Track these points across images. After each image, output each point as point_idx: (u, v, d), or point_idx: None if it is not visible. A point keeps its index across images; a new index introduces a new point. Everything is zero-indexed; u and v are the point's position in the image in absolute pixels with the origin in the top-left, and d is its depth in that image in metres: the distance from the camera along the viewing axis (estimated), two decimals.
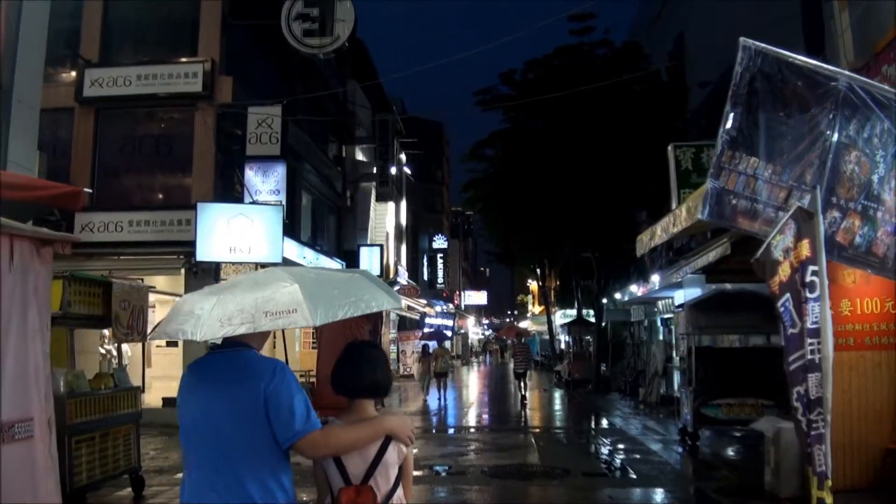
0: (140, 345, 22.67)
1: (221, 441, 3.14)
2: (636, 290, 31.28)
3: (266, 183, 18.64)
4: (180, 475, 9.94)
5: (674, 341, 27.06)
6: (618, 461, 12.93)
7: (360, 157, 33.02)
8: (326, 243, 28.16)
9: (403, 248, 43.46)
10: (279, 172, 18.76)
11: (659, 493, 10.16)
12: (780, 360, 13.19)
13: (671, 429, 17.05)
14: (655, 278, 27.09)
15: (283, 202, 18.36)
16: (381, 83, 36.27)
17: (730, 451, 14.06)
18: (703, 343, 16.29)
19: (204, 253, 17.19)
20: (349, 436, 3.24)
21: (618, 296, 34.37)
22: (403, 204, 42.16)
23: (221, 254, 17.34)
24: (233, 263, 18.22)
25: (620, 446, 14.61)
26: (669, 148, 14.62)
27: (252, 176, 18.67)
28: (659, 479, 11.07)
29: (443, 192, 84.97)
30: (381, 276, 29.71)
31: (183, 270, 18.18)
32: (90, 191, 11.51)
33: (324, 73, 26.59)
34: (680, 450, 14.25)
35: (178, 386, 3.42)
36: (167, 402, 18.30)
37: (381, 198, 33.26)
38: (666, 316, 32.27)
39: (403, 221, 42.76)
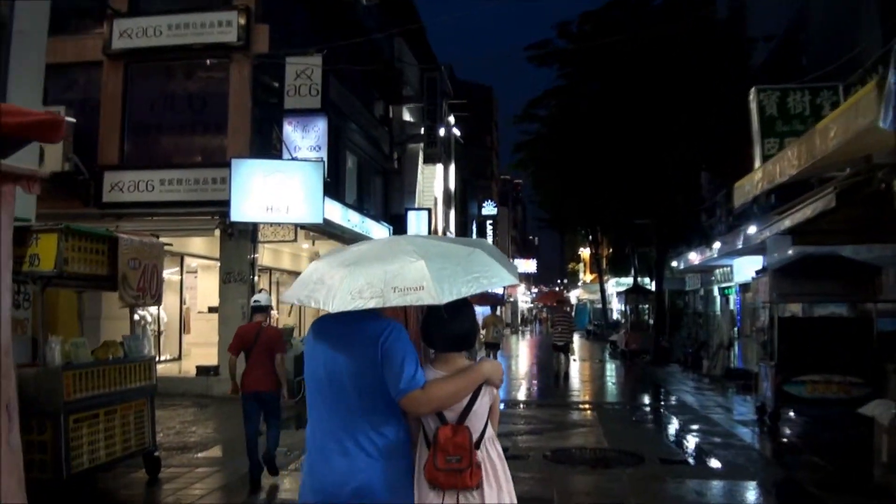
0: (178, 310, 22.02)
1: (342, 394, 3.38)
2: (694, 257, 29.89)
3: (306, 139, 17.34)
4: (204, 454, 8.78)
5: (738, 311, 25.58)
6: (695, 445, 11.47)
7: (407, 117, 31.66)
8: (373, 206, 26.93)
9: (452, 213, 42.21)
10: (320, 127, 17.42)
11: (751, 488, 8.72)
12: (871, 332, 11.80)
13: (745, 406, 15.59)
14: (717, 245, 25.64)
15: (325, 159, 17.03)
16: (429, 43, 34.91)
17: (816, 435, 12.54)
18: (784, 313, 14.81)
19: (239, 213, 15.96)
20: (449, 389, 3.40)
21: (674, 263, 32.91)
22: (452, 168, 40.83)
23: (257, 213, 16.09)
24: (270, 224, 17.03)
25: (694, 427, 13.14)
26: (752, 92, 13.01)
27: (291, 131, 17.37)
28: (746, 469, 9.63)
29: (492, 159, 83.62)
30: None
31: (218, 232, 17.06)
32: (73, 120, 10.35)
33: (368, 25, 25.16)
34: (760, 432, 12.78)
35: (304, 343, 3.72)
36: (201, 370, 17.21)
37: (429, 160, 31.86)
38: (724, 285, 30.86)
39: (452, 186, 41.48)
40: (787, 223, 10.32)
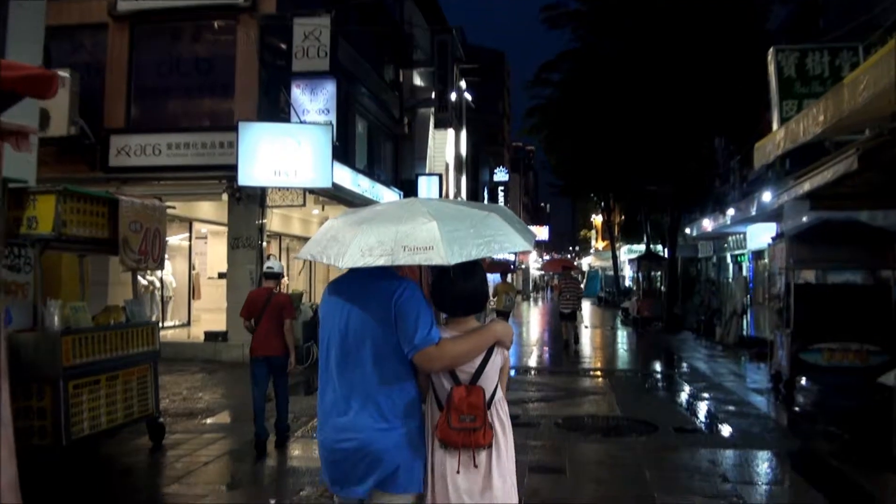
0: (187, 275, 21.89)
1: (353, 353, 3.40)
2: (707, 224, 29.58)
3: (314, 102, 17.02)
4: (210, 420, 8.59)
5: (751, 278, 25.30)
6: (709, 413, 11.23)
7: (417, 81, 31.23)
8: (383, 172, 26.65)
9: (463, 179, 41.83)
10: (328, 90, 17.10)
11: (767, 458, 8.49)
12: (888, 300, 11.53)
13: (759, 374, 15.38)
14: (730, 211, 25.34)
15: (333, 122, 16.72)
16: (440, 6, 34.41)
17: (832, 404, 12.31)
18: (798, 280, 14.55)
19: (246, 177, 15.72)
20: (462, 347, 3.42)
21: (687, 230, 32.62)
22: (463, 134, 40.40)
23: (265, 177, 15.84)
24: (279, 189, 16.79)
25: (708, 395, 12.93)
26: (770, 52, 12.69)
27: (299, 94, 17.06)
28: (762, 438, 9.41)
29: (503, 125, 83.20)
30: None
31: (225, 196, 16.85)
32: (65, 74, 10.13)
33: None
34: (775, 400, 12.58)
35: (320, 301, 3.70)
36: (210, 336, 17.08)
37: (440, 124, 31.42)
38: (737, 252, 30.56)
39: (463, 152, 41.07)
40: (807, 187, 10.03)
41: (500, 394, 3.56)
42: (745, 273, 28.87)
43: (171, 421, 9.90)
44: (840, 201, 12.05)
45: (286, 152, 15.67)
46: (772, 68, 12.61)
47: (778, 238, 14.19)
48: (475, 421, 3.35)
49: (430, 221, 3.19)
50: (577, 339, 21.13)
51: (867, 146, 8.12)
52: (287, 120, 16.83)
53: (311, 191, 17.12)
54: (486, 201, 54.55)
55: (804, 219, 14.81)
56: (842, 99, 6.36)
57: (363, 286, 3.47)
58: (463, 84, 38.21)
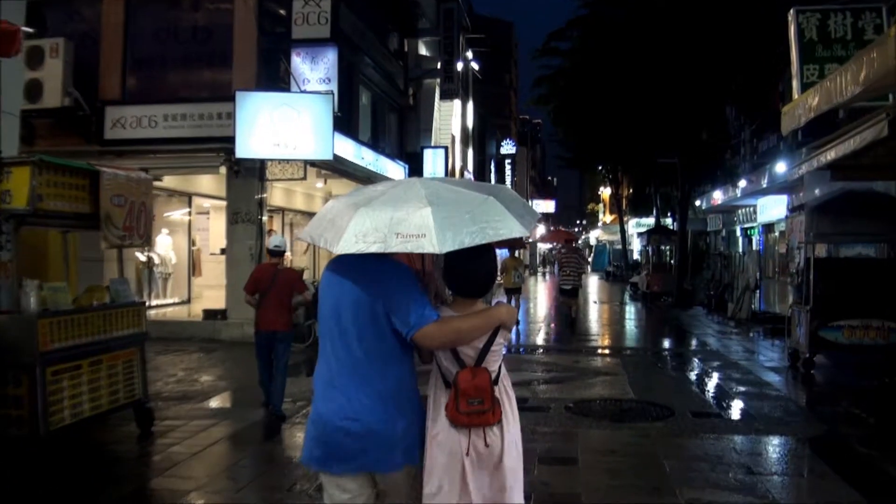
0: (187, 251, 21.44)
1: (346, 334, 3.40)
2: (718, 196, 29.12)
3: (315, 71, 16.41)
4: (203, 404, 8.15)
5: (761, 251, 24.79)
6: (727, 395, 10.69)
7: (423, 51, 30.60)
8: (388, 144, 26.07)
9: (470, 152, 41.33)
10: (330, 58, 16.48)
11: (791, 444, 7.99)
12: None
13: (775, 352, 14.91)
14: (742, 183, 24.86)
15: (335, 92, 16.11)
16: None
17: (853, 384, 11.78)
18: (820, 253, 14.05)
19: (244, 149, 15.16)
20: (465, 325, 3.42)
21: (697, 203, 32.13)
22: (470, 105, 39.82)
23: (264, 150, 15.27)
24: (279, 161, 16.25)
25: (724, 374, 12.41)
26: (791, 13, 12.05)
27: (299, 63, 16.44)
28: (784, 423, 8.90)
29: (511, 97, 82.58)
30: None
31: (224, 169, 16.32)
32: (30, 30, 9.69)
33: None
34: (794, 380, 12.09)
35: (320, 279, 3.66)
36: (209, 314, 16.63)
37: (446, 95, 30.79)
38: (747, 225, 30.08)
39: (470, 124, 40.53)
40: (830, 156, 9.50)
41: (503, 370, 3.59)
42: (755, 246, 28.40)
43: (163, 406, 9.46)
44: (862, 171, 11.55)
45: (286, 123, 15.09)
46: (792, 31, 11.99)
47: (797, 210, 13.65)
48: (483, 403, 3.37)
49: (424, 207, 3.16)
50: (574, 319, 20.01)
51: None
52: (287, 90, 16.24)
53: (312, 163, 16.53)
54: (493, 174, 54.19)
55: (821, 190, 14.30)
56: (887, 53, 5.77)
57: (359, 268, 3.45)
58: (469, 54, 37.55)
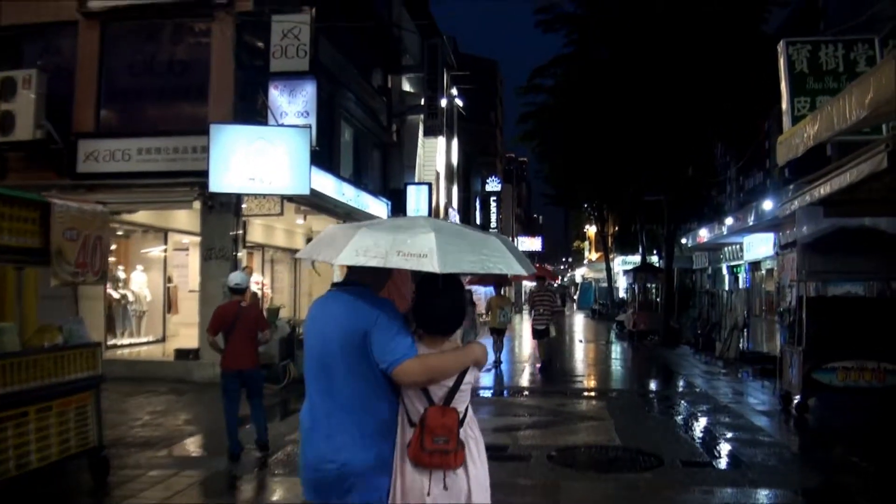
0: (163, 288, 20.88)
1: (335, 366, 3.43)
2: (704, 234, 28.98)
3: (293, 104, 15.97)
4: (165, 452, 7.79)
5: (744, 289, 24.43)
6: (719, 442, 10.20)
7: (406, 87, 30.33)
8: (370, 181, 25.66)
9: (455, 189, 41.02)
10: (308, 92, 16.04)
11: (789, 498, 7.53)
12: None
13: (766, 394, 14.45)
14: (728, 221, 24.65)
15: (313, 125, 15.68)
16: (431, 11, 33.61)
17: (849, 429, 11.33)
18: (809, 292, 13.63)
19: (218, 183, 14.68)
20: (441, 362, 3.44)
21: (683, 240, 31.89)
22: (455, 142, 39.57)
23: (239, 183, 14.77)
24: (255, 196, 15.79)
25: (715, 419, 11.91)
26: (780, 45, 11.80)
27: (277, 96, 16.01)
28: (781, 473, 8.42)
29: (496, 135, 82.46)
30: (429, 216, 27.30)
31: (198, 204, 15.83)
32: (31, 74, 9.43)
33: None
34: (788, 425, 11.63)
35: (306, 318, 3.78)
36: (181, 354, 16.07)
37: (430, 132, 30.44)
38: (733, 263, 29.85)
39: (454, 161, 40.26)
40: (826, 190, 9.09)
41: (470, 412, 3.57)
42: (741, 285, 28.13)
43: (124, 453, 8.90)
44: (857, 207, 11.19)
45: (261, 157, 14.63)
46: (782, 62, 11.72)
47: (788, 247, 13.29)
48: (448, 443, 3.34)
49: (428, 232, 3.25)
50: (549, 361, 18.97)
51: None
52: (265, 123, 15.79)
53: (290, 199, 16.07)
54: (478, 211, 53.98)
55: (811, 227, 13.94)
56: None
57: (344, 305, 3.50)
58: (454, 91, 37.35)
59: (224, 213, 15.73)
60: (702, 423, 11.82)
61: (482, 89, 61.25)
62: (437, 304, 3.55)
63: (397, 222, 3.56)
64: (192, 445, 9.86)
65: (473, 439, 3.52)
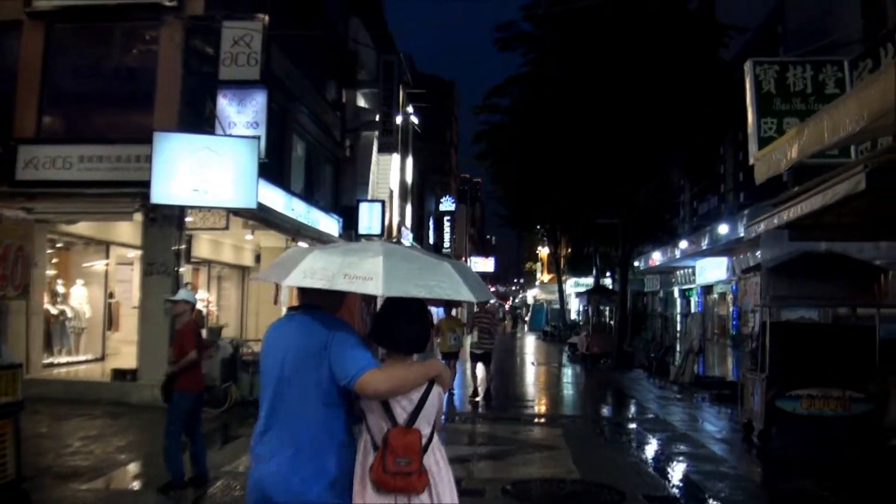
0: (103, 303, 20.00)
1: (290, 391, 3.43)
2: (657, 257, 29.01)
3: (242, 114, 15.34)
4: (95, 483, 6.88)
5: (699, 313, 24.27)
6: (681, 474, 9.76)
7: (361, 103, 29.80)
8: (322, 197, 25.08)
9: (409, 207, 40.53)
10: (258, 102, 15.43)
11: None
12: (873, 341, 10.35)
13: (726, 421, 14.13)
14: (683, 244, 24.65)
15: (263, 136, 15.08)
16: (389, 28, 33.14)
17: (814, 460, 10.97)
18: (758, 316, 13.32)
19: (161, 194, 13.97)
20: (404, 373, 3.43)
21: (635, 263, 31.82)
22: (409, 161, 39.11)
23: (183, 195, 14.05)
24: (199, 209, 15.13)
25: (675, 448, 11.51)
26: (747, 65, 11.52)
27: (226, 105, 15.36)
28: None
29: (451, 155, 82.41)
30: (381, 235, 26.85)
31: (141, 216, 15.11)
32: None
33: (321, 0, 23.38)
34: (751, 454, 11.27)
35: (262, 341, 3.73)
36: (118, 374, 15.29)
37: (384, 148, 29.92)
38: (685, 287, 29.83)
39: (409, 179, 39.81)
40: (797, 212, 8.70)
41: (436, 439, 3.51)
42: (694, 308, 28.07)
43: (49, 484, 8.19)
44: (824, 231, 10.88)
45: (206, 168, 13.96)
46: (748, 82, 11.43)
47: (751, 271, 12.96)
48: (410, 465, 3.29)
49: (377, 256, 3.28)
50: (488, 393, 17.32)
51: (876, 163, 6.84)
52: (212, 133, 15.18)
53: (236, 212, 15.42)
54: (431, 230, 53.58)
55: (773, 252, 13.66)
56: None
57: (299, 327, 3.52)
58: (410, 109, 36.93)
59: (167, 226, 15.03)
60: (662, 452, 11.39)
61: (438, 108, 61.11)
62: (399, 323, 3.56)
63: (351, 246, 3.63)
64: (123, 477, 9.15)
65: (437, 465, 3.45)
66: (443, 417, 3.80)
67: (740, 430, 12.52)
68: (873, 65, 10.78)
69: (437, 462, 3.46)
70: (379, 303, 4.12)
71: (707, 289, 27.06)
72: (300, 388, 3.41)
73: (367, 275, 3.19)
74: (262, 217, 16.44)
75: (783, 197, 10.08)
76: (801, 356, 11.42)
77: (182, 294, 8.60)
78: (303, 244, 20.06)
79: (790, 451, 11.49)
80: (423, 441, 3.39)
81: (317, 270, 3.27)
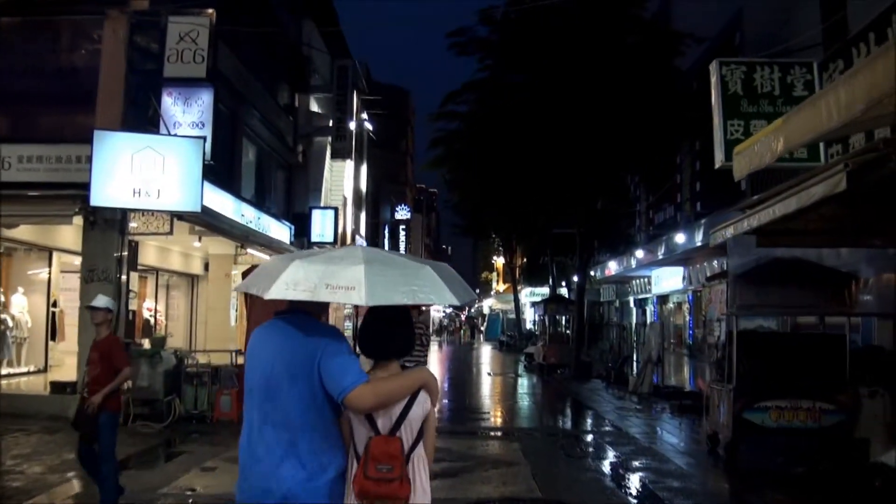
0: (44, 312, 19.11)
1: (279, 398, 3.39)
2: (613, 266, 28.89)
3: (188, 114, 14.65)
4: None
5: (658, 323, 24.03)
6: (646, 491, 9.26)
7: (314, 108, 29.24)
8: (274, 203, 24.44)
9: (363, 216, 40.02)
10: (205, 101, 14.76)
11: None
12: (843, 350, 10.04)
13: (688, 432, 13.75)
14: (639, 253, 24.50)
15: (208, 136, 14.41)
16: (344, 34, 32.62)
17: (782, 473, 10.57)
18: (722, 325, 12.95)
19: (100, 196, 13.22)
20: (392, 386, 3.42)
21: (591, 273, 31.58)
22: (364, 168, 38.65)
23: (123, 198, 13.31)
24: (143, 213, 14.43)
25: (639, 462, 11.04)
26: (713, 65, 11.16)
27: (171, 104, 14.67)
28: None
29: (407, 164, 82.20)
30: (334, 243, 26.28)
31: (81, 220, 14.36)
32: None
33: (273, 1, 22.77)
34: (717, 468, 10.86)
35: (246, 348, 3.86)
36: (57, 387, 14.52)
37: (338, 154, 29.39)
38: (641, 296, 29.70)
39: (364, 187, 39.37)
40: (770, 215, 8.25)
41: (420, 450, 3.46)
42: (650, 318, 27.92)
43: None
44: (791, 237, 10.50)
45: (148, 169, 13.22)
46: (714, 84, 11.06)
47: (716, 278, 12.58)
48: (392, 471, 3.27)
49: (358, 264, 3.27)
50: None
51: (858, 161, 6.43)
52: (156, 133, 14.49)
53: (179, 216, 14.74)
54: (387, 239, 53.29)
55: (739, 259, 13.31)
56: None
57: (289, 333, 3.48)
58: (364, 116, 36.42)
59: (108, 230, 14.31)
60: (626, 467, 10.91)
61: (394, 117, 60.78)
62: (384, 330, 3.56)
63: (333, 254, 3.51)
64: (54, 500, 8.45)
65: (420, 480, 3.42)
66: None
67: (705, 443, 12.10)
68: (845, 65, 10.48)
69: (419, 475, 3.43)
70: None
71: (663, 298, 26.93)
72: (293, 392, 3.37)
73: (350, 284, 3.19)
74: (208, 222, 15.80)
75: (750, 202, 9.73)
76: (769, 366, 11.02)
77: (102, 301, 7.96)
78: (253, 251, 19.47)
79: (758, 465, 11.07)
80: (406, 449, 3.38)
81: (299, 281, 3.23)
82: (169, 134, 14.37)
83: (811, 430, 10.71)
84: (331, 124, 28.66)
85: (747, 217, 9.23)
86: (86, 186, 13.51)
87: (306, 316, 3.54)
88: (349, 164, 32.07)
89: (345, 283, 3.19)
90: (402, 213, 60.85)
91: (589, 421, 16.30)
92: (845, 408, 10.76)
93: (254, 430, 3.45)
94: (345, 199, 32.22)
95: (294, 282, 3.23)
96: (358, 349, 3.70)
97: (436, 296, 3.34)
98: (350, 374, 3.32)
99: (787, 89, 10.89)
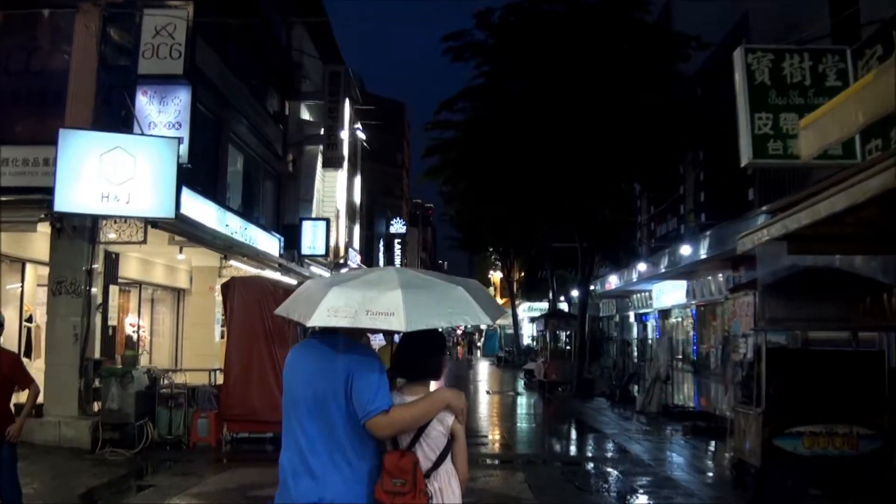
0: (18, 324, 17.93)
1: (325, 414, 3.47)
2: (613, 280, 28.14)
3: (164, 113, 13.59)
4: None
5: (666, 338, 23.03)
6: None
7: (305, 115, 28.35)
8: (262, 214, 23.41)
9: (357, 229, 39.04)
10: (182, 100, 13.71)
11: None
12: (882, 369, 8.92)
13: (705, 457, 12.64)
14: (642, 266, 23.67)
15: (185, 137, 13.38)
16: (336, 41, 31.77)
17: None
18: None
19: (65, 201, 12.13)
20: (409, 414, 3.50)
21: (592, 287, 30.61)
22: (358, 179, 37.70)
23: (90, 203, 12.22)
24: (114, 219, 13.32)
25: (659, 497, 9.93)
26: (737, 53, 10.07)
27: (146, 103, 13.61)
28: None
29: (403, 177, 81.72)
30: (325, 255, 25.26)
31: (48, 227, 13.26)
32: None
33: (262, 4, 21.79)
34: (745, 500, 9.75)
35: (284, 367, 3.77)
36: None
37: (329, 164, 28.33)
38: (642, 311, 28.85)
39: (358, 199, 38.38)
40: (812, 215, 7.17)
41: (448, 466, 3.53)
42: (651, 333, 27.11)
43: None
44: (824, 244, 9.45)
45: (119, 171, 12.14)
46: (739, 73, 9.98)
47: (742, 289, 11.48)
48: (404, 485, 3.37)
49: (395, 289, 3.36)
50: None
51: None
52: (129, 133, 13.42)
53: (154, 224, 13.61)
54: (381, 253, 52.43)
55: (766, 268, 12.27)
56: None
57: (322, 351, 3.58)
58: (358, 125, 35.47)
59: (77, 239, 13.24)
60: (643, 501, 9.79)
61: (389, 130, 60.17)
62: (418, 354, 3.68)
63: (367, 277, 3.62)
64: None
65: (440, 493, 3.47)
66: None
67: (730, 471, 10.98)
68: (883, 51, 9.44)
69: (440, 490, 3.49)
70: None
71: (664, 313, 26.05)
72: (338, 410, 3.45)
73: (388, 310, 3.29)
74: (186, 231, 14.74)
75: (782, 203, 8.72)
76: (801, 387, 9.93)
77: None
78: (239, 264, 18.39)
79: (791, 498, 9.97)
80: (427, 466, 3.47)
81: (340, 308, 3.34)
82: (143, 134, 13.29)
83: (849, 457, 9.61)
84: (322, 132, 27.67)
85: (784, 219, 8.16)
86: (52, 191, 12.45)
87: (342, 336, 3.59)
88: (342, 175, 31.10)
89: (383, 308, 3.29)
90: (398, 227, 60.02)
91: (598, 446, 15.15)
92: (885, 432, 9.67)
93: (295, 449, 3.52)
94: (337, 210, 31.25)
95: (335, 308, 3.34)
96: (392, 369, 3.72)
97: (469, 316, 3.48)
98: (375, 399, 3.41)
99: (818, 79, 9.84)
